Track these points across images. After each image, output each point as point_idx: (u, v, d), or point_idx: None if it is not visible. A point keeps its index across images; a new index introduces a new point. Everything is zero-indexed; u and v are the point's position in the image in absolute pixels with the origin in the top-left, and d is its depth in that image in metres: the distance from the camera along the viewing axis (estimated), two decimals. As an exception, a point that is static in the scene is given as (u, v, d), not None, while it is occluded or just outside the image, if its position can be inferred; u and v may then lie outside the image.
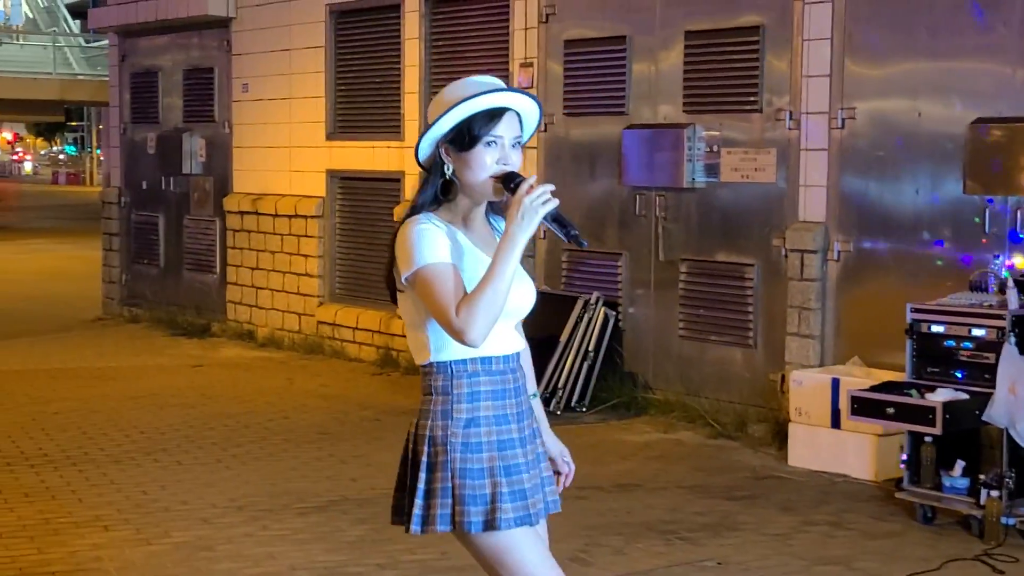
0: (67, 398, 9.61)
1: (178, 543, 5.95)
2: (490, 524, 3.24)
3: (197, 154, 13.37)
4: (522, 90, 3.42)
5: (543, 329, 9.38)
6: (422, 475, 3.32)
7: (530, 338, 9.54)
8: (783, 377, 8.06)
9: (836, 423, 7.28)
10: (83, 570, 5.49)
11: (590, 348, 9.23)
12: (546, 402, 9.08)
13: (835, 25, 7.99)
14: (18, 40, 32.46)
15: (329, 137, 11.96)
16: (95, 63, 31.56)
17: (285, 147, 12.38)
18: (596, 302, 9.29)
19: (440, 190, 3.30)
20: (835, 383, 7.28)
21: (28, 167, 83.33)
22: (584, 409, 9.13)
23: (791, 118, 8.23)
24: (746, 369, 8.57)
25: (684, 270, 8.92)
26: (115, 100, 14.81)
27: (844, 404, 6.83)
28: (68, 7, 35.98)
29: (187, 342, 12.59)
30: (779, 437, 7.90)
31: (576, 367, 9.19)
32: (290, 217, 12.24)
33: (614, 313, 9.32)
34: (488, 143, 3.22)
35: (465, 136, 3.23)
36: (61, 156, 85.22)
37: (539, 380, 9.05)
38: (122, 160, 14.68)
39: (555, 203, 3.14)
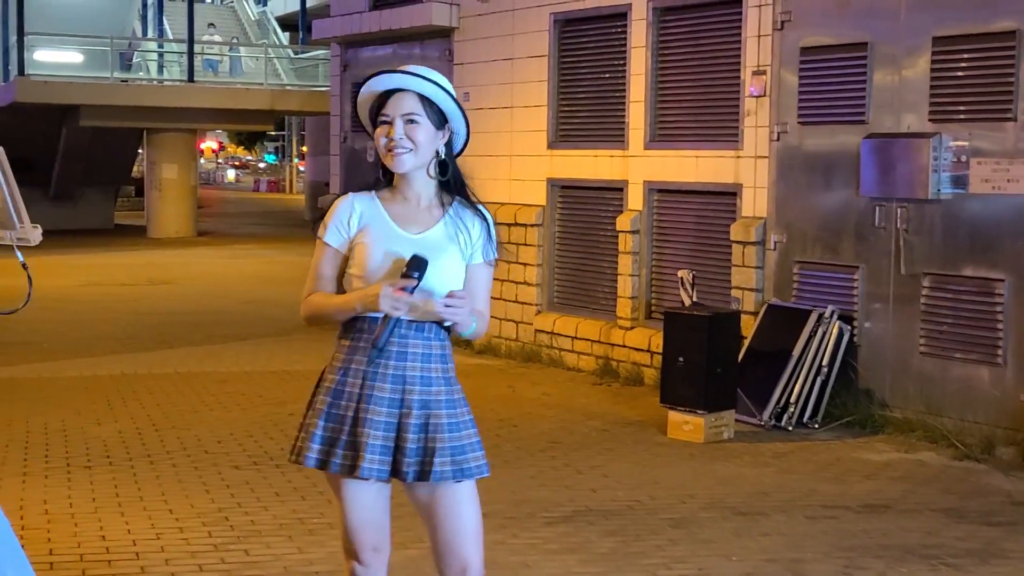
0: (298, 400, 9.67)
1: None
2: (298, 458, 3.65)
3: (416, 163, 13.47)
4: (420, 72, 3.60)
5: (774, 343, 9.18)
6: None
7: (760, 351, 9.36)
8: (1037, 398, 7.69)
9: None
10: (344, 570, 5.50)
11: (823, 363, 8.97)
12: (777, 417, 8.88)
13: (1100, 30, 7.60)
14: (231, 50, 33.38)
15: (551, 146, 11.93)
16: (303, 74, 32.29)
17: (506, 156, 12.39)
18: (830, 316, 9.03)
19: (380, 170, 3.66)
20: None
21: (231, 175, 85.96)
22: (817, 426, 8.87)
23: (1049, 128, 7.86)
24: (994, 388, 8.20)
25: (927, 284, 8.60)
26: (336, 110, 15.06)
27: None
28: (278, 19, 36.92)
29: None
30: (1032, 461, 7.56)
31: (809, 382, 8.95)
32: (509, 225, 12.25)
33: (849, 327, 9.05)
34: (381, 122, 3.56)
35: (370, 118, 3.62)
36: (261, 165, 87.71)
37: (770, 395, 8.90)
38: (342, 168, 14.92)
39: (399, 315, 3.43)
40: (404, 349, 3.51)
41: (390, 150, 3.52)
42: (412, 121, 3.52)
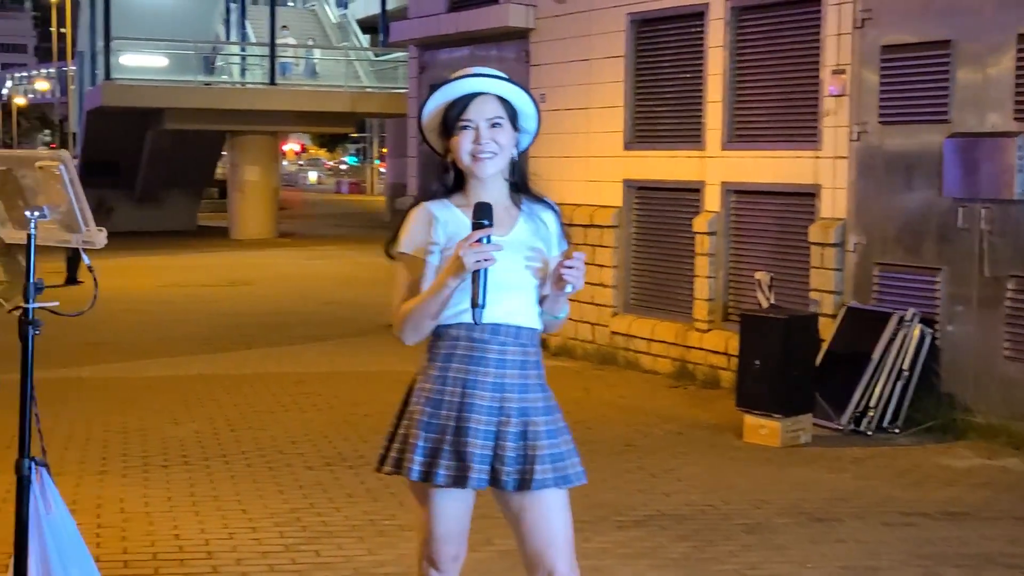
0: (374, 401, 9.79)
1: (502, 551, 5.89)
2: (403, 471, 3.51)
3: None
4: (492, 73, 3.52)
5: (853, 346, 9.05)
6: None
7: (839, 354, 9.22)
8: (1125, 403, 7.50)
9: None
10: (414, 573, 5.49)
11: (904, 367, 8.82)
12: (856, 421, 8.75)
13: None
14: (310, 52, 33.66)
15: (627, 147, 11.86)
16: (383, 76, 32.48)
17: (582, 157, 12.34)
18: (911, 319, 8.88)
19: (451, 176, 3.53)
20: None
21: (313, 176, 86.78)
22: (897, 431, 8.73)
23: None
24: (1080, 394, 8.02)
25: (1012, 287, 8.42)
26: (413, 112, 15.10)
27: None
28: (359, 22, 37.18)
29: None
30: (1121, 468, 7.37)
31: (889, 387, 8.81)
32: (585, 227, 12.20)
33: (930, 331, 8.89)
34: (463, 128, 3.45)
35: (444, 125, 3.50)
36: (342, 166, 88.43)
37: (849, 399, 8.77)
38: (419, 170, 14.96)
39: (489, 264, 3.28)
40: (503, 356, 3.44)
41: (476, 155, 3.45)
42: (496, 125, 3.47)
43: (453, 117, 3.47)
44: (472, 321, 3.38)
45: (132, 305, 17.00)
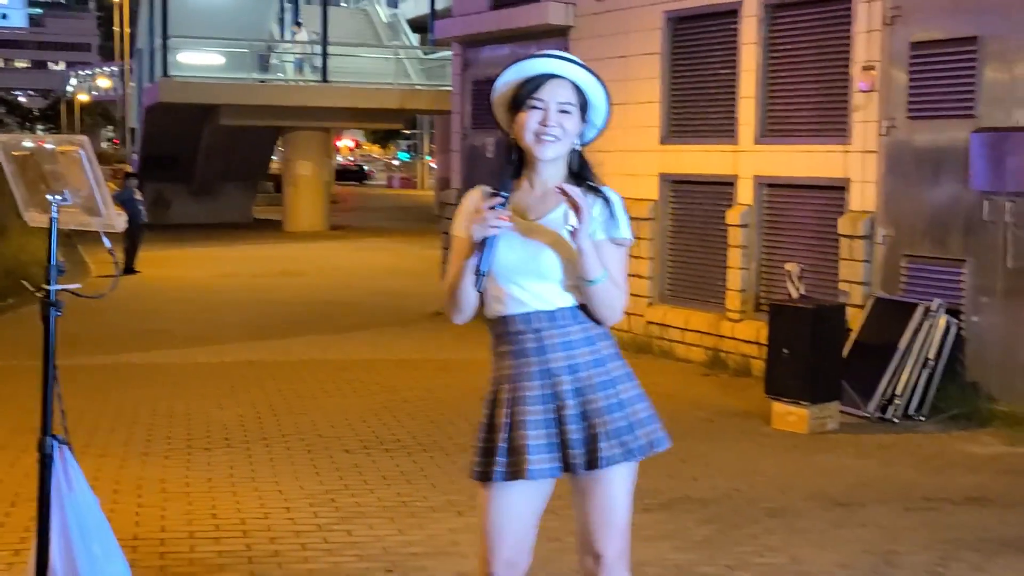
0: (414, 387, 9.81)
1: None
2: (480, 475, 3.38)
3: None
4: (572, 59, 3.40)
5: (881, 336, 8.97)
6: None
7: (867, 344, 9.11)
8: None
9: None
10: (442, 553, 5.50)
11: (930, 356, 8.74)
12: (882, 409, 8.67)
13: None
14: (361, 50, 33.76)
15: (663, 141, 11.81)
16: (432, 74, 32.47)
17: (619, 151, 12.28)
18: (937, 309, 8.79)
19: (517, 156, 3.41)
20: None
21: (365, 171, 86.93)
22: (923, 418, 8.65)
23: None
24: (1103, 383, 7.91)
25: (1036, 278, 8.32)
26: (457, 107, 15.12)
27: None
28: (409, 22, 37.20)
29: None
30: None
31: (915, 375, 8.72)
32: (622, 219, 12.14)
33: (956, 321, 8.79)
34: (532, 106, 3.32)
35: (515, 100, 3.37)
36: (395, 162, 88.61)
37: (875, 387, 8.69)
38: (462, 164, 14.97)
39: (497, 232, 3.22)
40: (541, 343, 3.33)
41: (540, 136, 3.32)
42: (566, 111, 3.33)
43: (525, 94, 3.34)
44: (505, 314, 3.33)
45: (187, 294, 17.13)
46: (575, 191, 3.21)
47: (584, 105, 3.39)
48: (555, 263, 3.33)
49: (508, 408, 3.33)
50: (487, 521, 3.37)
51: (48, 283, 3.16)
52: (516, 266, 3.32)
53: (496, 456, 3.31)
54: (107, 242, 3.11)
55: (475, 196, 3.42)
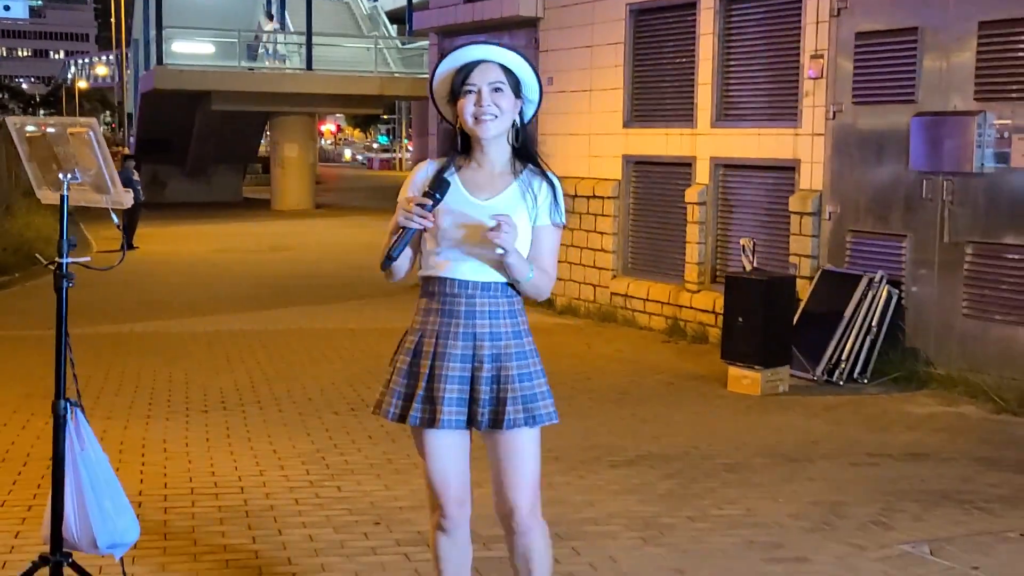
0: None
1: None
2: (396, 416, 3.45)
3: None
4: (494, 42, 3.44)
5: (827, 305, 9.02)
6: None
7: (815, 313, 9.17)
8: (1072, 357, 7.45)
9: None
10: (425, 506, 5.48)
11: (873, 324, 8.79)
12: (829, 372, 8.73)
13: None
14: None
15: (626, 125, 11.81)
16: (410, 63, 32.34)
17: (585, 134, 12.29)
18: (880, 280, 8.84)
19: (458, 141, 3.44)
20: None
21: (347, 154, 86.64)
22: (866, 381, 8.71)
23: (1086, 105, 7.57)
24: (1032, 348, 7.98)
25: (970, 252, 8.37)
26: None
27: None
28: (388, 14, 36.99)
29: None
30: (1067, 415, 7.33)
31: (859, 341, 8.78)
32: (588, 198, 12.16)
33: (897, 291, 8.85)
34: (467, 91, 3.34)
35: (451, 91, 3.39)
36: (374, 145, 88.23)
37: (823, 352, 8.75)
38: (439, 147, 14.91)
39: (411, 229, 3.27)
40: (472, 308, 3.39)
41: (478, 117, 3.34)
42: (497, 89, 3.34)
43: (459, 82, 3.37)
44: (442, 276, 3.37)
45: (183, 268, 17.05)
46: (502, 223, 3.23)
47: (517, 84, 3.41)
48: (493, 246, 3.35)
49: (431, 361, 3.38)
50: (429, 466, 3.46)
51: (61, 256, 3.14)
52: (461, 239, 3.35)
53: (415, 403, 3.37)
54: (115, 218, 3.10)
55: (422, 169, 3.47)
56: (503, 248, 3.23)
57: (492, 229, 3.22)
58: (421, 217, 3.25)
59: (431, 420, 3.37)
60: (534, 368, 3.44)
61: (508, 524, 3.45)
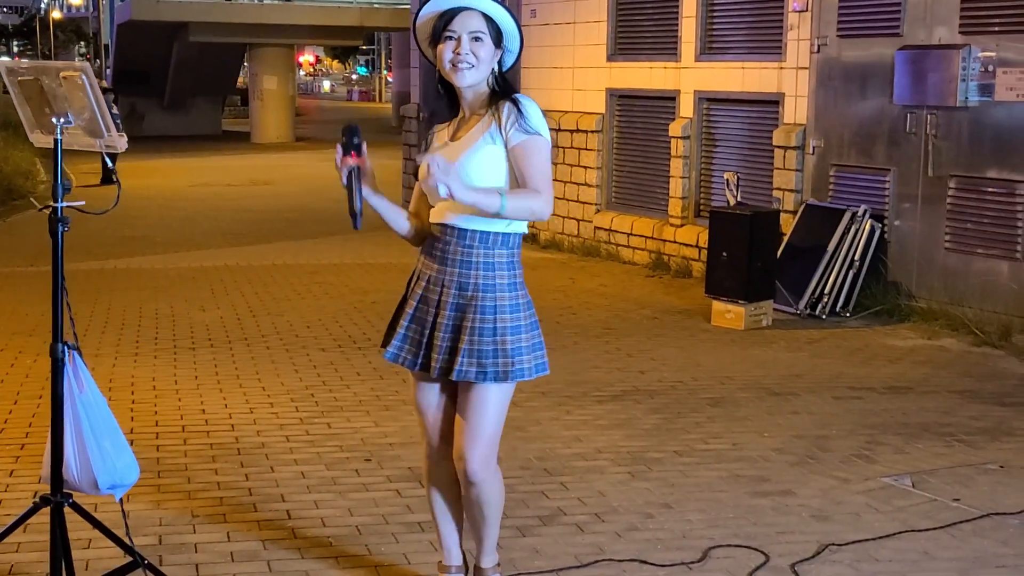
0: (381, 289, 9.82)
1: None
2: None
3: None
4: None
5: (811, 239, 9.06)
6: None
7: (798, 247, 9.21)
8: (1052, 290, 7.53)
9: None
10: (415, 442, 5.52)
11: (856, 258, 8.85)
12: (812, 306, 8.80)
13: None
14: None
15: (609, 58, 11.75)
16: (391, -7, 32.03)
17: (569, 68, 12.23)
18: (863, 214, 8.89)
19: (443, 96, 3.47)
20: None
21: (326, 85, 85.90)
22: (848, 315, 8.78)
23: (1071, 39, 7.57)
24: (1012, 281, 8.04)
25: (953, 185, 8.41)
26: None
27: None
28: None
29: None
30: (1046, 347, 7.42)
31: (842, 275, 8.84)
32: (572, 132, 12.13)
33: (880, 225, 8.90)
34: (447, 37, 3.35)
35: (432, 35, 3.40)
36: (353, 76, 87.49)
37: (806, 286, 8.81)
38: (420, 79, 14.83)
39: (345, 173, 3.24)
40: (445, 254, 3.39)
41: (455, 64, 3.32)
42: (477, 39, 3.33)
43: (440, 27, 3.35)
44: (432, 221, 3.42)
45: (163, 202, 16.97)
46: (430, 166, 3.15)
47: (498, 34, 3.39)
48: (477, 177, 3.33)
49: (414, 301, 3.48)
50: (416, 402, 3.59)
51: (56, 200, 3.14)
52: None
53: (394, 339, 3.49)
54: (109, 162, 3.09)
55: (436, 133, 3.50)
56: (443, 190, 3.12)
57: (427, 179, 3.18)
58: (342, 163, 3.26)
59: (402, 358, 3.49)
60: (501, 324, 3.38)
61: (459, 471, 3.48)
